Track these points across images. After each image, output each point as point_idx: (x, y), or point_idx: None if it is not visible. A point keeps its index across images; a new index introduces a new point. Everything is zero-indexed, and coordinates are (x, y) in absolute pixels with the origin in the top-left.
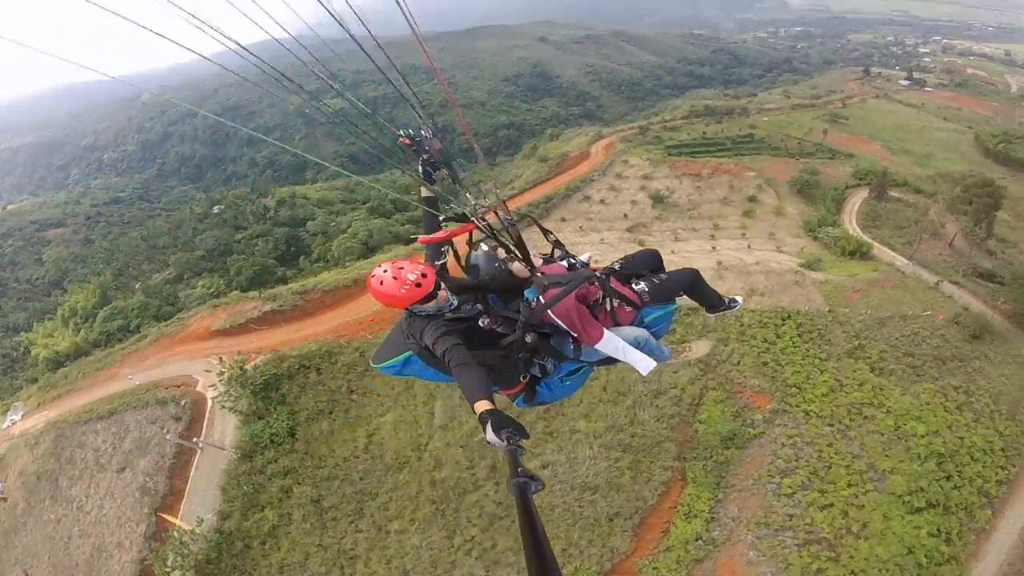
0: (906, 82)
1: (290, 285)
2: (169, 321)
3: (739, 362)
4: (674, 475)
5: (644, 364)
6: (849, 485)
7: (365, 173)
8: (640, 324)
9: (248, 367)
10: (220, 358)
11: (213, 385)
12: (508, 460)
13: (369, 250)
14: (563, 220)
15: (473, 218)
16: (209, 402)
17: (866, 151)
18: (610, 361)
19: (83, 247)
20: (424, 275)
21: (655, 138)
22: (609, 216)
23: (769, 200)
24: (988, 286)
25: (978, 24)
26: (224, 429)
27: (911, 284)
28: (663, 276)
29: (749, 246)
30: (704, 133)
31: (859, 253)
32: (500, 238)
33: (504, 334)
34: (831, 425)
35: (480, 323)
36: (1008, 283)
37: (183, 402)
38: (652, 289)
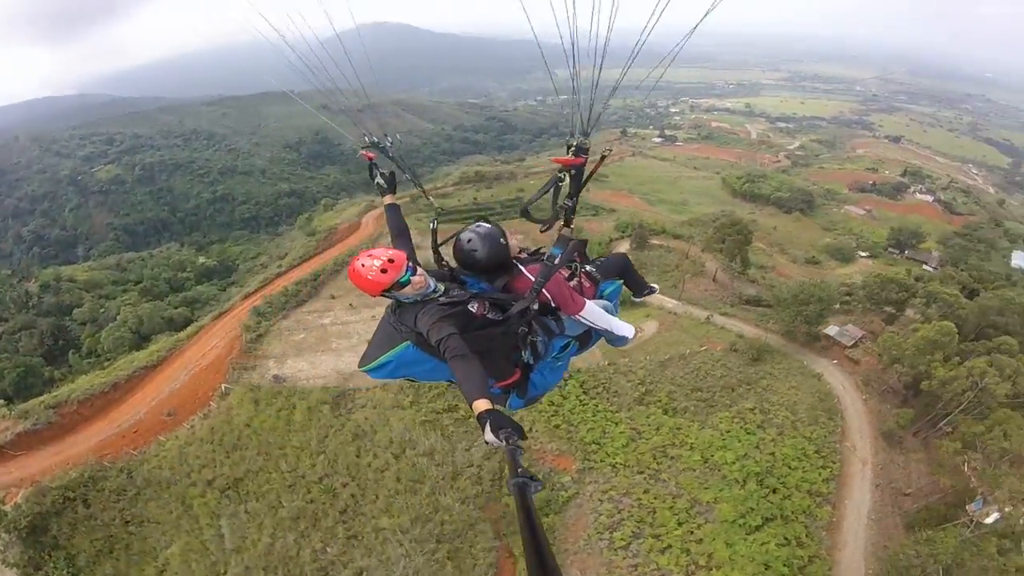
0: (659, 139)
1: (43, 397)
2: None
3: (531, 429)
4: (500, 554)
5: (627, 329)
6: (679, 524)
7: (141, 246)
8: (601, 296)
9: (7, 507)
10: None
11: None
12: (508, 460)
13: (141, 339)
14: (333, 297)
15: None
16: None
17: (627, 205)
18: (587, 340)
19: None
20: (391, 260)
21: (426, 206)
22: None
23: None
24: (756, 310)
25: (720, 83)
26: None
27: (684, 323)
28: (600, 260)
29: None
30: (475, 199)
31: (628, 301)
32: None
33: (494, 320)
34: (641, 472)
35: (470, 308)
36: (773, 305)
37: None
38: (598, 268)
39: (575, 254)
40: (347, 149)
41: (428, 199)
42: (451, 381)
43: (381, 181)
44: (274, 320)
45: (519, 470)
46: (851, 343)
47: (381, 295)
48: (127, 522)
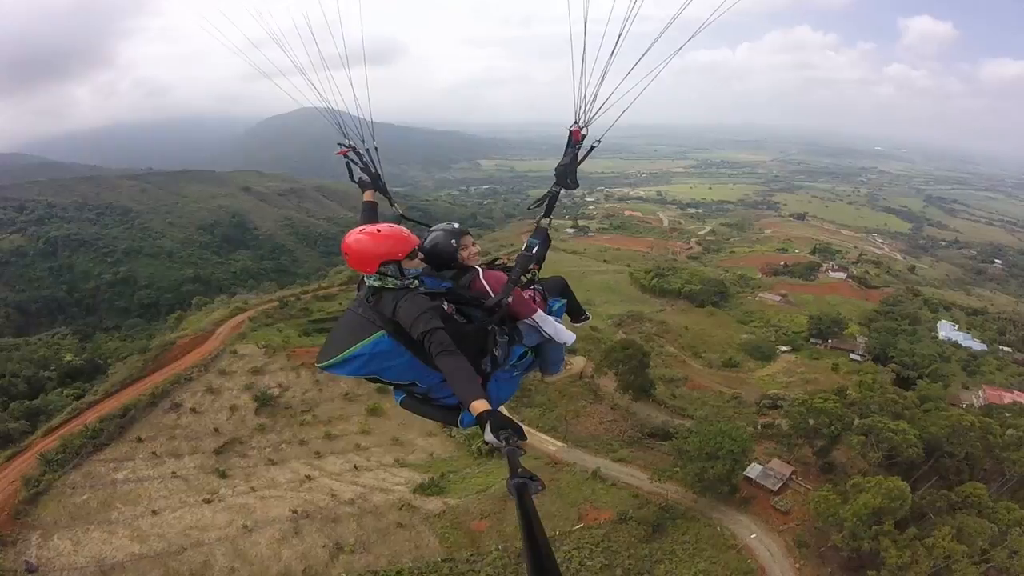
0: (572, 230)
1: None
2: None
3: None
4: None
5: (568, 337)
6: None
7: (32, 327)
8: (549, 311)
9: None
10: None
11: None
12: (507, 461)
13: None
14: (139, 440)
15: None
16: None
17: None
18: (533, 361)
19: None
20: (410, 232)
21: (302, 310)
22: (198, 431)
23: None
24: (662, 448)
25: (633, 172)
26: None
27: (564, 481)
28: (549, 279)
29: (356, 467)
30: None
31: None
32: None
33: (459, 321)
34: None
35: (443, 305)
36: (676, 458)
37: None
38: (545, 285)
39: (536, 260)
40: (263, 234)
41: (392, 205)
42: (415, 383)
43: (365, 176)
44: (62, 471)
45: (519, 470)
46: (777, 486)
47: (399, 262)
48: None
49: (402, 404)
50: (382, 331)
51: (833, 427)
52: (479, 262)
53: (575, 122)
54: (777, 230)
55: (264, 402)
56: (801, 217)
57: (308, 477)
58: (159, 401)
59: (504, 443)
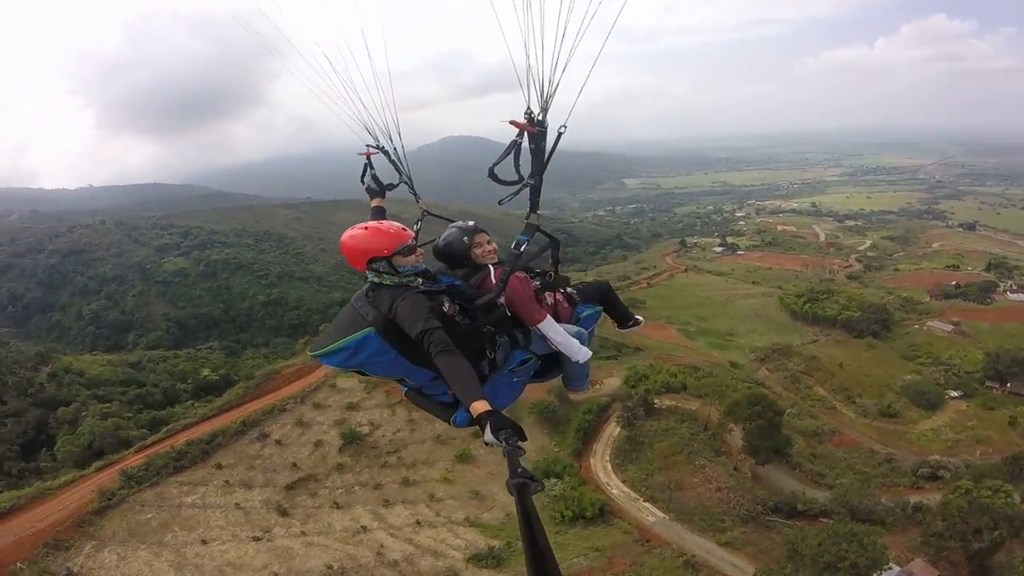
0: (720, 248)
1: None
2: None
3: None
4: None
5: (583, 353)
6: None
7: (190, 340)
8: (576, 321)
9: None
10: None
11: None
12: (507, 461)
13: (94, 455)
14: (219, 467)
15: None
16: None
17: (661, 339)
18: (547, 369)
19: None
20: (404, 228)
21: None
22: (277, 464)
23: None
24: (784, 529)
25: (784, 184)
26: None
27: (649, 566)
28: (587, 283)
29: (418, 522)
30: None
31: (594, 513)
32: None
33: (456, 321)
34: None
35: (443, 306)
36: (790, 560)
37: None
38: (580, 291)
39: (552, 257)
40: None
41: (418, 203)
42: (401, 379)
43: (373, 184)
44: (138, 488)
45: (519, 470)
46: None
47: (388, 258)
48: None
49: (406, 395)
50: (371, 328)
51: (998, 532)
52: (495, 260)
53: (527, 112)
54: (945, 243)
55: (350, 440)
56: (971, 227)
57: (364, 528)
58: (248, 430)
59: (504, 443)
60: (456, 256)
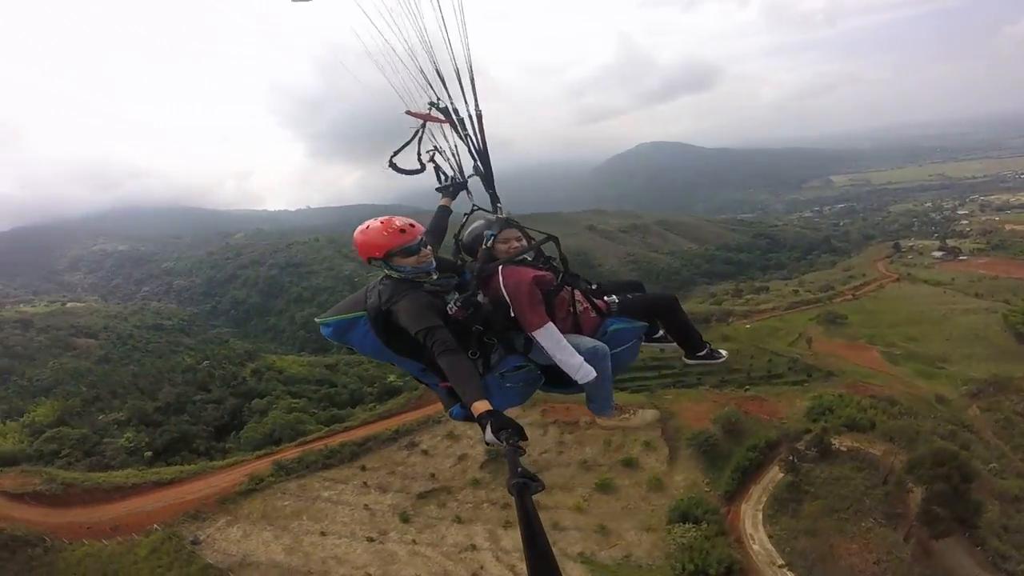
0: (939, 253)
1: (72, 474)
2: None
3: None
4: None
5: (582, 372)
6: None
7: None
8: (603, 335)
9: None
10: None
11: None
12: (507, 461)
13: (272, 443)
14: (363, 469)
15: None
16: None
17: (859, 361)
18: (567, 382)
19: (95, 363)
20: (411, 225)
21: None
22: (417, 473)
23: (653, 464)
24: None
25: (1010, 174)
26: None
27: None
28: (639, 294)
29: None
30: (661, 349)
31: (718, 573)
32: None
33: (457, 322)
34: None
35: (448, 309)
36: None
37: None
38: (624, 301)
39: (559, 256)
40: (606, 271)
41: (496, 202)
42: (379, 359)
43: (449, 184)
44: (286, 478)
45: (519, 470)
46: None
47: (383, 259)
48: None
49: (414, 376)
50: (363, 313)
51: None
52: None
53: (430, 102)
54: None
55: (494, 456)
56: None
57: (473, 546)
58: (400, 437)
59: (504, 443)
60: (477, 251)
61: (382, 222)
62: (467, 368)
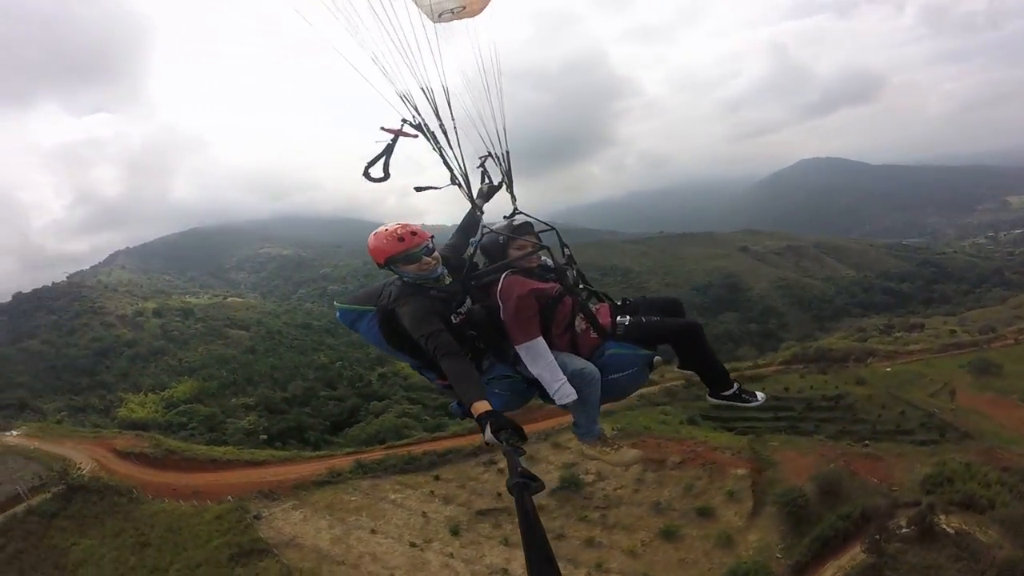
0: None
1: (177, 443)
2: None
3: None
4: None
5: (560, 393)
6: None
7: None
8: (598, 358)
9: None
10: None
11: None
12: (507, 461)
13: (378, 443)
14: (436, 479)
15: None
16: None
17: (1005, 422)
18: (540, 391)
19: (241, 353)
20: (414, 233)
21: (700, 394)
22: (486, 490)
23: (730, 517)
24: None
25: None
26: None
27: None
28: (655, 319)
29: None
30: (786, 388)
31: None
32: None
33: (460, 330)
34: None
35: (452, 318)
36: None
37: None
38: (634, 324)
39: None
40: (754, 295)
41: (513, 201)
42: (381, 350)
43: (484, 188)
44: (362, 476)
45: (519, 470)
46: None
47: (386, 264)
48: None
49: (413, 368)
50: (373, 308)
51: None
52: (534, 266)
53: (403, 120)
54: None
55: (567, 484)
56: None
57: (506, 571)
58: (481, 453)
59: (504, 444)
60: (492, 257)
61: (387, 229)
62: (467, 370)
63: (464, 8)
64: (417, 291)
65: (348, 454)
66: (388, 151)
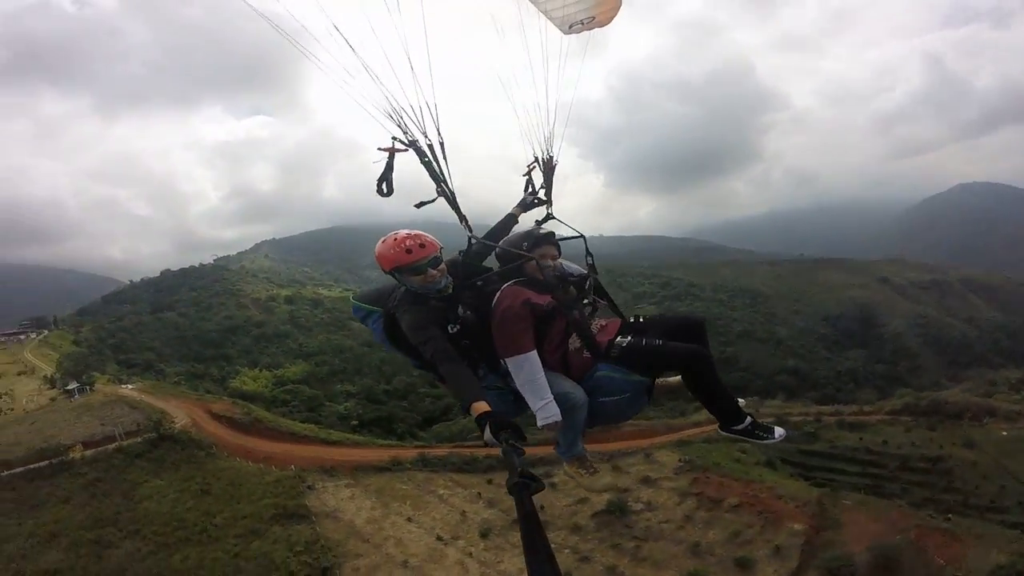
0: None
1: (265, 413)
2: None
3: None
4: None
5: (543, 413)
6: None
7: None
8: (589, 380)
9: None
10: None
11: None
12: (507, 461)
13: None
14: (489, 482)
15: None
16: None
17: None
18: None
19: (358, 345)
20: (422, 245)
21: (809, 433)
22: (555, 513)
23: (769, 574)
24: None
25: None
26: None
27: None
28: (659, 342)
29: None
30: (884, 442)
31: None
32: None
33: (465, 346)
34: None
35: (449, 328)
36: None
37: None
38: (632, 346)
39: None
40: (888, 332)
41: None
42: (385, 347)
43: (528, 199)
44: (420, 468)
45: (518, 470)
46: None
47: (391, 272)
48: None
49: (414, 366)
50: (380, 308)
51: None
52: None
53: (393, 138)
54: None
55: (612, 509)
56: None
57: None
58: (539, 465)
59: (503, 444)
60: (508, 263)
61: (396, 238)
62: (463, 373)
63: (594, 19)
64: (418, 300)
65: (416, 447)
66: (388, 169)
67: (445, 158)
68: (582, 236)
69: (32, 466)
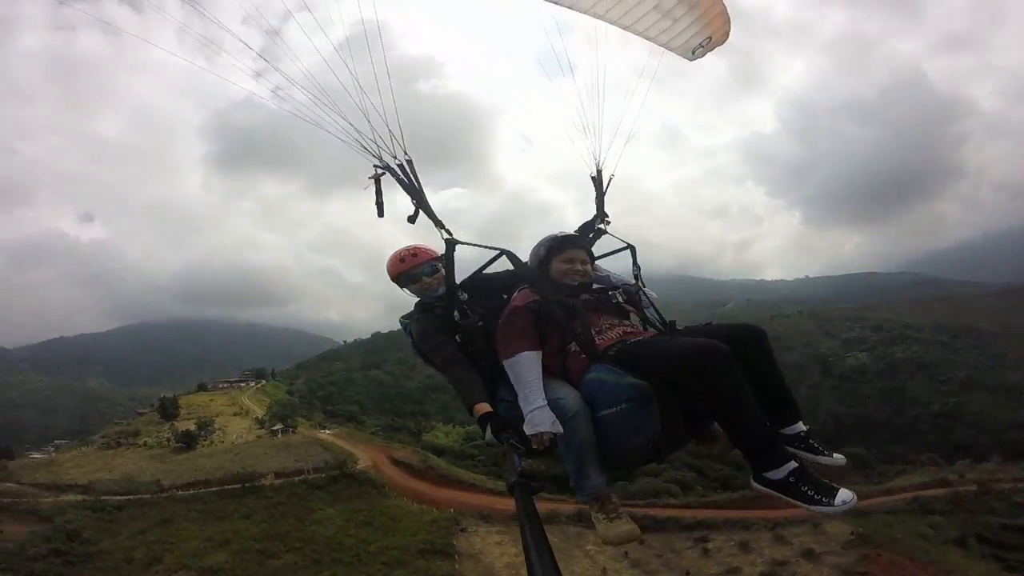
0: None
1: (440, 462)
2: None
3: None
4: None
5: (529, 418)
6: None
7: (841, 442)
8: (582, 385)
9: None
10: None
11: None
12: (507, 461)
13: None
14: (641, 543)
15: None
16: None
17: None
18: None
19: None
20: (414, 254)
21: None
22: (678, 566)
23: None
24: None
25: None
26: None
27: None
28: (665, 339)
29: None
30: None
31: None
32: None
33: (470, 353)
34: None
35: (456, 335)
36: None
37: None
38: (635, 346)
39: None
40: None
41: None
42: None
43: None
44: (579, 524)
45: (518, 470)
46: None
47: (396, 282)
48: None
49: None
50: (408, 322)
51: None
52: (575, 282)
53: (376, 165)
54: None
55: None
56: None
57: None
58: (696, 528)
59: (504, 444)
60: (533, 267)
61: (398, 251)
62: (467, 376)
63: (711, 39)
64: (425, 309)
65: (574, 502)
66: (378, 194)
67: (415, 173)
68: (631, 247)
69: (227, 487)
